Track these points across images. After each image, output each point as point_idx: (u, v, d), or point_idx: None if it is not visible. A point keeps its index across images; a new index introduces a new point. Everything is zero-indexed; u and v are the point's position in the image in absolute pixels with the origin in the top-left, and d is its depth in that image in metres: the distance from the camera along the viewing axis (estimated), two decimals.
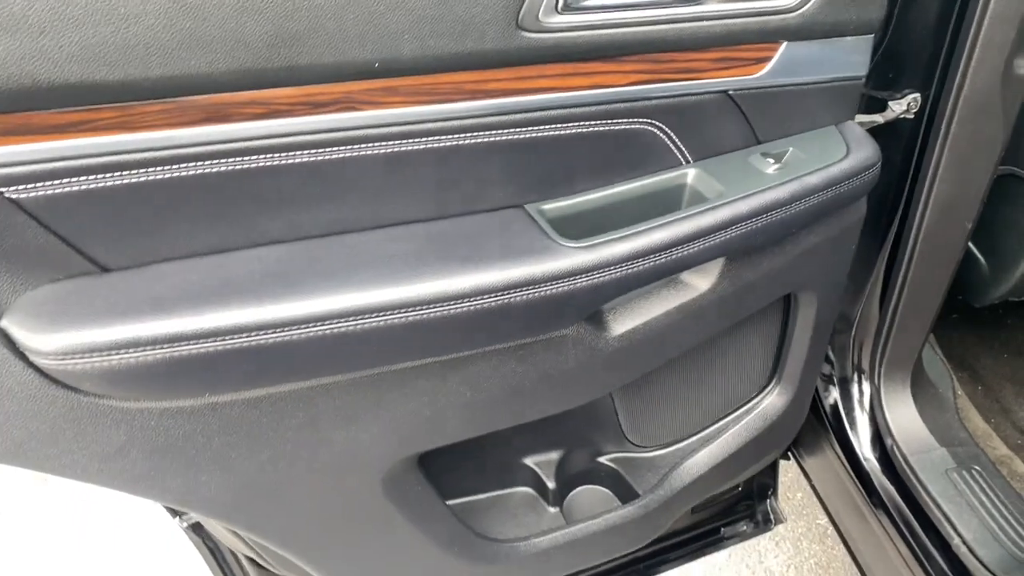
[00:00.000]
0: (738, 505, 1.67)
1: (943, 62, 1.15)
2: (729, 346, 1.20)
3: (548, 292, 0.86)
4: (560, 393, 1.01)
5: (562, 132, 0.88)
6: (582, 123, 0.89)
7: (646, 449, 1.27)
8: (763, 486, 1.68)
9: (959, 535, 1.29)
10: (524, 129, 0.86)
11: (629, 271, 0.89)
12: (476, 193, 0.90)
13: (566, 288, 0.86)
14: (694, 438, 1.28)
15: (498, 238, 0.87)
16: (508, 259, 0.84)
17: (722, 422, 1.29)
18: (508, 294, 0.84)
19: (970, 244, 1.56)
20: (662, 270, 0.92)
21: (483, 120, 0.84)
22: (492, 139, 0.85)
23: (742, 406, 1.29)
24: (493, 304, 0.84)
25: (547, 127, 0.87)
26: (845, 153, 1.01)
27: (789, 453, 1.78)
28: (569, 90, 0.86)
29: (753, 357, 1.25)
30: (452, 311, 0.82)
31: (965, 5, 1.09)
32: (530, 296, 0.85)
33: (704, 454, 1.26)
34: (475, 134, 0.84)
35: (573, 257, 0.86)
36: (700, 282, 1.01)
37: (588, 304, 0.91)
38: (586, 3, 0.82)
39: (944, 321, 1.69)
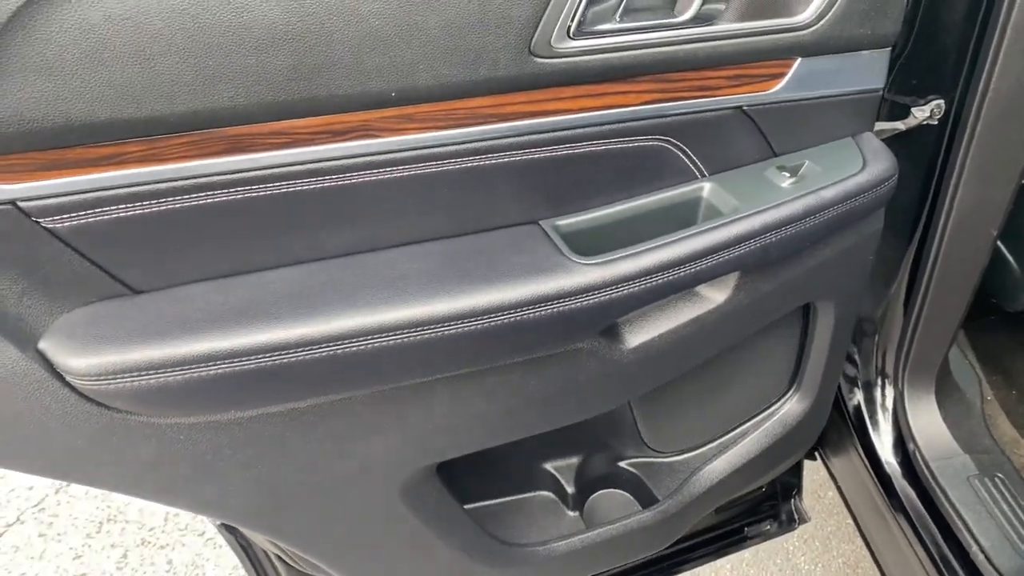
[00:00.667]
0: (762, 505, 1.68)
1: (967, 68, 1.14)
2: (748, 353, 1.21)
3: (561, 309, 0.88)
4: (576, 405, 1.04)
5: (577, 151, 0.90)
6: (596, 142, 0.91)
7: (665, 454, 1.29)
8: (787, 486, 1.68)
9: (977, 543, 1.29)
10: (539, 149, 0.88)
11: (643, 287, 0.91)
12: (492, 211, 0.92)
13: (579, 304, 0.88)
14: (713, 443, 1.29)
15: (513, 255, 0.90)
16: (522, 276, 0.87)
17: (741, 427, 1.30)
18: (522, 311, 0.86)
19: (1003, 248, 1.54)
20: (676, 285, 0.93)
21: (498, 142, 0.86)
22: (507, 160, 0.87)
23: (761, 412, 1.30)
24: (507, 321, 0.86)
25: (561, 147, 0.89)
26: (861, 166, 1.01)
27: (816, 454, 1.78)
28: (583, 111, 0.88)
29: (772, 364, 1.26)
30: (467, 329, 0.85)
31: (989, 12, 1.08)
32: (543, 313, 0.87)
33: (723, 459, 1.28)
34: (490, 156, 0.86)
35: (586, 274, 0.88)
36: (716, 295, 1.03)
37: (601, 319, 0.93)
38: (597, 27, 0.83)
39: (980, 324, 1.67)
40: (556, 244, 0.91)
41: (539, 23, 0.79)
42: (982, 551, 1.29)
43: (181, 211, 0.77)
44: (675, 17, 0.87)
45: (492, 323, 0.86)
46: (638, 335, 1.00)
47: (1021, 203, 1.28)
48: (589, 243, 0.93)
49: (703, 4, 0.88)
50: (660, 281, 0.91)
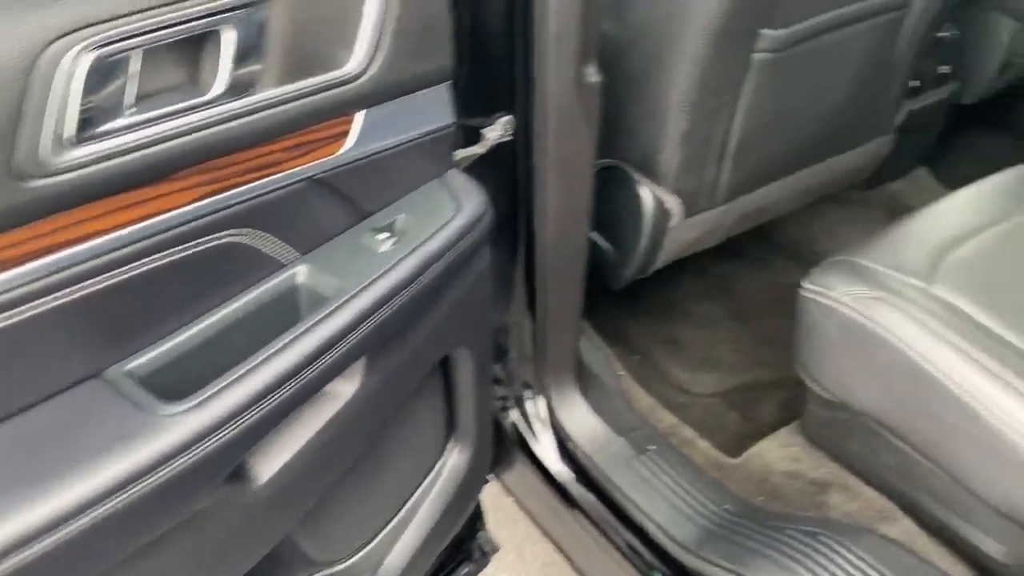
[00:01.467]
0: (453, 552, 1.61)
1: (524, 82, 1.15)
2: (398, 426, 1.11)
3: (166, 476, 0.69)
4: (229, 564, 0.85)
5: (129, 275, 0.71)
6: (150, 259, 0.72)
7: (341, 561, 1.14)
8: (471, 521, 1.63)
9: (653, 521, 1.33)
10: (76, 288, 0.68)
11: (258, 414, 0.75)
12: (32, 379, 0.70)
13: (186, 462, 0.70)
14: (387, 529, 1.17)
15: (76, 428, 0.69)
16: (97, 456, 0.66)
17: (411, 500, 1.20)
18: (114, 499, 0.66)
19: (598, 236, 1.63)
20: (299, 396, 0.79)
21: (11, 295, 0.64)
22: (33, 312, 0.66)
23: (427, 476, 1.21)
24: (101, 515, 0.65)
25: (105, 276, 0.70)
26: (456, 208, 0.95)
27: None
28: (120, 228, 0.69)
29: (425, 426, 1.17)
30: (49, 546, 0.63)
31: (530, 25, 1.08)
32: (144, 490, 0.68)
33: (404, 541, 1.17)
34: (8, 313, 0.64)
35: (183, 423, 0.70)
36: (346, 388, 0.90)
37: (220, 468, 0.76)
38: (103, 128, 0.65)
39: (594, 307, 1.76)
40: (131, 396, 0.72)
41: (14, 139, 0.59)
42: (659, 527, 1.34)
43: None
44: (203, 95, 0.72)
45: (81, 527, 0.64)
46: (270, 465, 0.83)
47: (603, 191, 1.35)
48: (178, 381, 0.75)
49: (234, 71, 0.73)
50: (278, 400, 0.77)
